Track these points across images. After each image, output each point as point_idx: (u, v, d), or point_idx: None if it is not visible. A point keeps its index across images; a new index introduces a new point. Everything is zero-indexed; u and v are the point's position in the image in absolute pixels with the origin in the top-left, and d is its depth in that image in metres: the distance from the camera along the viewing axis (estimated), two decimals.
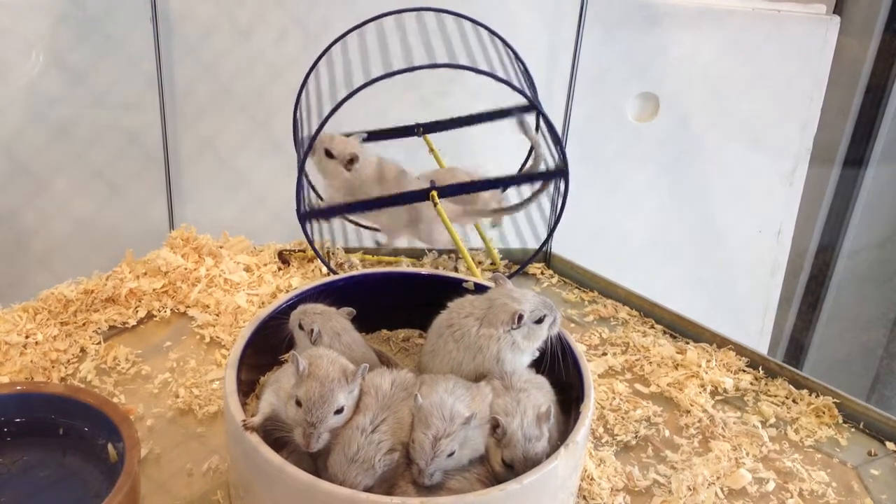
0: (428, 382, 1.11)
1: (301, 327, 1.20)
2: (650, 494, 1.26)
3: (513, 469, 1.05)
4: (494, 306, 1.17)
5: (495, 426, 1.07)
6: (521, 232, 1.69)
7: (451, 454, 1.04)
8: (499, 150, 1.98)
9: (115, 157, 1.98)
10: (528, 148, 1.73)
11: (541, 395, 1.13)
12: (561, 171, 1.50)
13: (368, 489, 1.02)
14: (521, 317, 1.16)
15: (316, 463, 1.09)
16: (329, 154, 1.54)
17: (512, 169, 1.76)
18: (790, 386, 1.51)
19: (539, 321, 1.18)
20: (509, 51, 1.60)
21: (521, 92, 1.40)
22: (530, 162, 1.65)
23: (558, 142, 1.49)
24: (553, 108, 1.95)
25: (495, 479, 1.06)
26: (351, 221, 1.74)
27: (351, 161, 1.52)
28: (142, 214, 2.03)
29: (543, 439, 1.07)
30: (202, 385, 1.41)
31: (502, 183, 1.55)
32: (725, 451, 1.34)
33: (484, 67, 1.39)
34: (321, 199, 1.73)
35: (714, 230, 2.23)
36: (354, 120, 1.98)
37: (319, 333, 1.17)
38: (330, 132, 1.51)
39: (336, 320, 1.21)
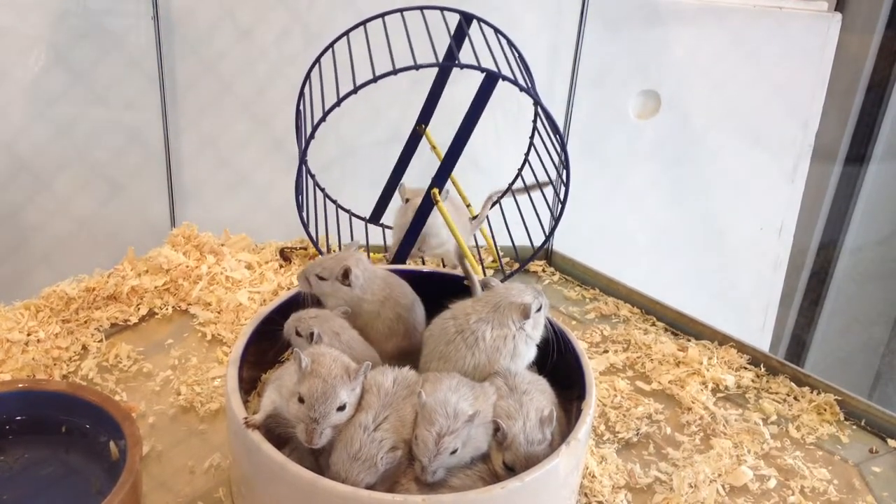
0: (431, 380, 1.11)
1: (299, 334, 1.19)
2: (651, 492, 1.26)
3: (514, 472, 1.05)
4: (500, 307, 1.19)
5: (496, 429, 1.08)
6: (523, 229, 1.69)
7: (454, 452, 1.04)
8: (499, 149, 1.99)
9: (116, 155, 1.98)
10: (525, 150, 1.73)
11: (543, 397, 1.14)
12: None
13: (370, 487, 1.02)
14: (529, 309, 1.18)
15: (318, 461, 1.09)
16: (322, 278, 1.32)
17: (509, 169, 1.77)
18: (791, 383, 1.51)
19: (538, 309, 1.20)
20: (509, 44, 1.59)
21: (520, 86, 1.40)
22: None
23: (559, 137, 1.49)
24: (554, 106, 1.95)
25: (496, 480, 1.06)
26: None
27: (345, 275, 1.29)
28: (143, 212, 2.03)
29: (545, 443, 1.07)
30: (204, 382, 1.41)
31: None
32: (727, 448, 1.34)
33: (486, 64, 1.38)
34: (325, 193, 1.73)
35: (715, 228, 2.23)
36: (354, 118, 1.99)
37: (320, 336, 1.17)
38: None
39: (333, 321, 1.21)
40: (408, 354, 1.27)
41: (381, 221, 1.78)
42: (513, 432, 1.07)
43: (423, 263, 1.66)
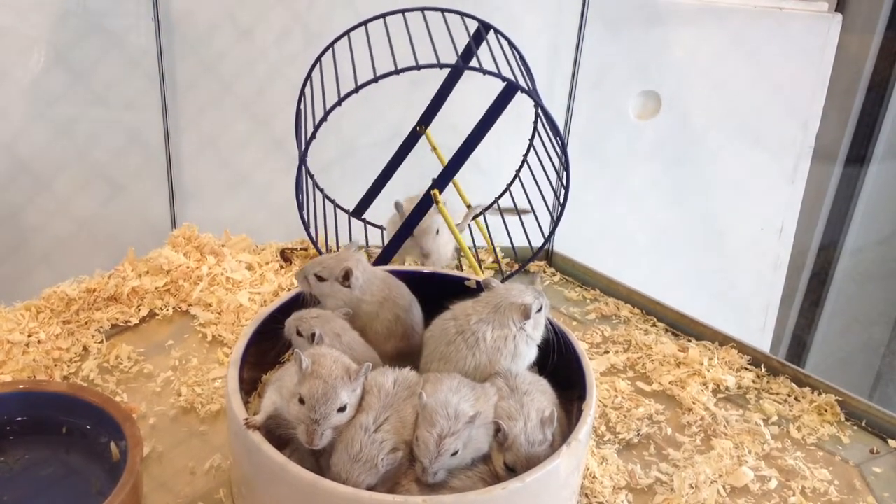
0: (432, 381, 1.11)
1: (300, 334, 1.19)
2: (652, 492, 1.26)
3: (515, 472, 1.05)
4: (501, 307, 1.19)
5: (497, 430, 1.08)
6: (523, 230, 1.69)
7: (455, 453, 1.04)
8: (498, 150, 1.99)
9: (116, 155, 1.98)
10: (525, 150, 1.73)
11: (544, 398, 1.14)
12: None
13: (371, 488, 1.02)
14: (530, 310, 1.18)
15: (318, 462, 1.09)
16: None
17: (508, 170, 1.77)
18: (792, 384, 1.51)
19: (539, 310, 1.20)
20: (510, 45, 1.60)
21: (535, 99, 1.40)
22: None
23: (559, 136, 1.49)
24: (555, 107, 1.95)
25: (497, 481, 1.06)
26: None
27: (346, 276, 1.28)
28: (143, 213, 2.03)
29: (546, 444, 1.07)
30: (204, 383, 1.41)
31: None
32: (727, 448, 1.34)
33: (484, 64, 1.38)
34: (325, 195, 1.73)
35: (716, 228, 2.23)
36: (355, 118, 1.99)
37: (321, 336, 1.17)
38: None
39: (334, 322, 1.21)
40: (406, 355, 1.27)
41: (363, 216, 1.77)
42: (514, 433, 1.07)
43: (403, 263, 1.66)
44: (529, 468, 1.03)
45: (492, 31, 1.60)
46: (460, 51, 1.52)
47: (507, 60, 1.48)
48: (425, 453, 1.03)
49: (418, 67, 1.34)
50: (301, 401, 1.04)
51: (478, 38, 1.58)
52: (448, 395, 1.07)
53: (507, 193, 1.77)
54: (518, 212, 1.72)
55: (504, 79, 1.37)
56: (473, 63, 1.41)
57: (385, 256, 1.56)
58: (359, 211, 1.78)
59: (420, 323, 1.31)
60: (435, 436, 1.03)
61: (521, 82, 1.41)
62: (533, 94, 1.40)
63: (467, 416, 1.05)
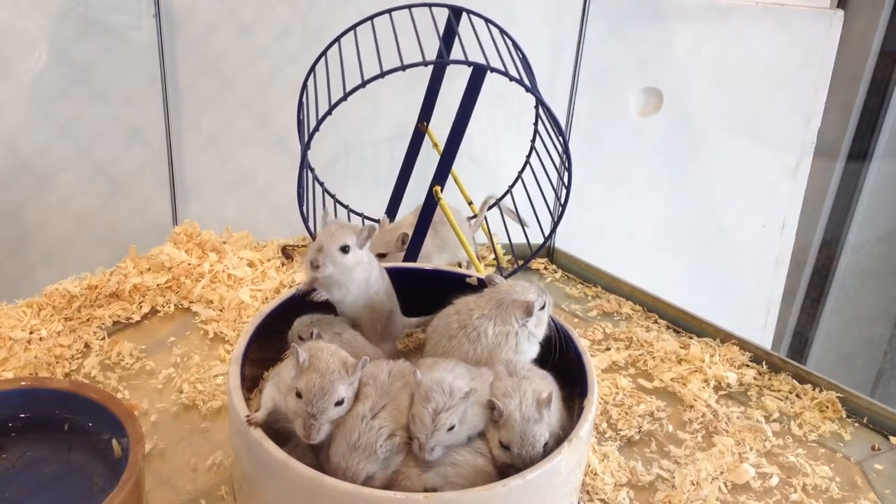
0: (428, 363, 1.12)
1: (301, 338, 1.21)
2: (653, 489, 1.26)
3: (510, 451, 1.05)
4: (503, 304, 1.19)
5: (492, 408, 1.08)
6: (523, 233, 1.69)
7: (451, 428, 1.04)
8: (499, 146, 1.99)
9: (118, 153, 1.98)
10: (528, 150, 1.73)
11: (543, 383, 1.14)
12: None
13: (372, 476, 1.02)
14: (532, 307, 1.18)
15: (318, 458, 1.09)
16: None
17: (510, 166, 1.76)
18: (794, 381, 1.51)
19: (542, 307, 1.20)
20: (509, 40, 1.59)
21: (510, 76, 1.39)
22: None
23: (561, 134, 1.49)
24: (556, 103, 1.95)
25: (494, 462, 1.07)
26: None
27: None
28: (145, 210, 2.03)
29: (543, 423, 1.07)
30: (206, 380, 1.41)
31: None
32: (729, 445, 1.34)
33: (484, 60, 1.37)
34: (327, 192, 1.73)
35: (718, 225, 2.23)
36: (356, 116, 1.99)
37: (319, 335, 1.18)
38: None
39: (334, 324, 1.23)
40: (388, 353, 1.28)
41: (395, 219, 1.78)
42: (508, 409, 1.06)
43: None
44: (525, 447, 1.03)
45: (478, 18, 1.58)
46: (456, 46, 1.52)
47: (480, 42, 1.45)
48: (421, 429, 1.03)
49: (382, 75, 1.33)
50: (298, 395, 1.04)
51: (452, 26, 1.56)
52: (443, 374, 1.07)
53: (511, 193, 1.76)
54: (519, 219, 1.72)
55: (469, 63, 1.35)
56: (453, 52, 1.39)
57: (412, 254, 1.56)
58: (391, 216, 1.78)
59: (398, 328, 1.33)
60: (430, 411, 1.03)
61: (497, 62, 1.39)
62: (506, 72, 1.36)
63: (462, 392, 1.05)
